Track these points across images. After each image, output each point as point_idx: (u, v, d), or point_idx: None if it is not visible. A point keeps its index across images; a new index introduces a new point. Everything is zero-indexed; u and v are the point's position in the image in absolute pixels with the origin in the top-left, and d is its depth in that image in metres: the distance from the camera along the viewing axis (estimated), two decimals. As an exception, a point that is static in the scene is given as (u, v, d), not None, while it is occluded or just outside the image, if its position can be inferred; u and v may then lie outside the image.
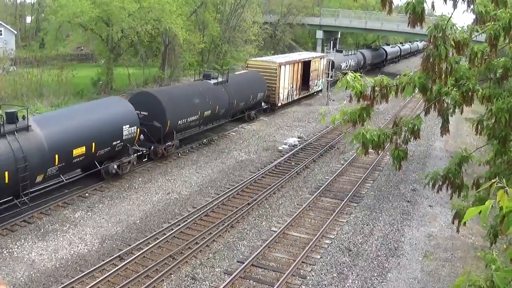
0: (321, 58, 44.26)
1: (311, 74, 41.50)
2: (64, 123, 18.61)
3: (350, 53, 54.60)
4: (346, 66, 50.30)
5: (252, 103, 32.86)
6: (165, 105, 23.30)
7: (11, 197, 16.55)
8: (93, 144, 19.15)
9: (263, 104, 34.62)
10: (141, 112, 22.63)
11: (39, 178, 17.31)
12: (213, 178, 22.26)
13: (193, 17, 47.51)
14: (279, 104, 36.73)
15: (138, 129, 21.60)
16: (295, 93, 39.32)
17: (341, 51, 53.61)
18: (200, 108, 26.05)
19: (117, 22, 36.33)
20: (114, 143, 20.35)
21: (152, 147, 23.27)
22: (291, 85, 38.15)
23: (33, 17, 68.21)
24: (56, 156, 17.53)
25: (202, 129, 28.77)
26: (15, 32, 55.77)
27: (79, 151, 18.52)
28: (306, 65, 40.73)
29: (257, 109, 34.24)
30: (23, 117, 17.07)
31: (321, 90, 44.89)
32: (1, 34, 52.10)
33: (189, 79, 44.02)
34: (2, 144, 15.75)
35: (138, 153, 22.30)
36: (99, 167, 20.16)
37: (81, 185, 20.04)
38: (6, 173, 15.65)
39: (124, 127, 20.68)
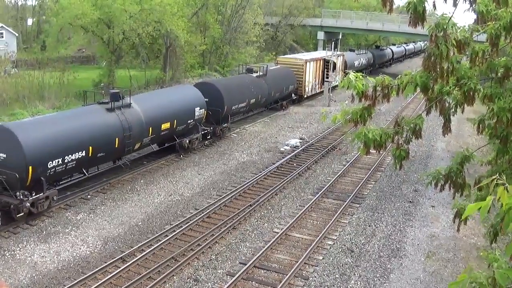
0: (338, 56, 48.29)
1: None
2: (155, 102, 23.05)
3: (361, 52, 58.90)
4: (359, 64, 54.58)
5: (285, 94, 37.78)
6: (223, 93, 27.85)
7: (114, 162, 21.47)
8: (175, 121, 23.52)
9: (293, 95, 39.58)
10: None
11: (137, 146, 21.74)
12: (215, 180, 22.25)
13: (194, 18, 47.54)
14: (305, 96, 41.66)
15: (206, 111, 25.95)
16: (317, 86, 44.03)
17: (353, 51, 58.54)
18: (248, 96, 30.95)
19: (118, 24, 36.35)
20: (189, 121, 24.83)
21: (211, 127, 27.33)
22: (314, 79, 43.01)
23: (34, 19, 68.26)
24: (150, 128, 21.83)
25: (245, 116, 34.04)
26: (17, 35, 55.82)
27: (165, 126, 22.94)
28: (327, 62, 44.66)
29: (287, 100, 39.07)
30: (123, 97, 20.84)
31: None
32: (3, 37, 52.12)
33: (190, 80, 44.05)
34: (113, 117, 19.96)
35: (204, 131, 26.50)
36: (177, 140, 24.44)
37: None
38: (117, 139, 19.90)
39: (196, 109, 25.18)
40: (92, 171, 20.30)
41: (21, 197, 16.41)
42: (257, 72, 33.62)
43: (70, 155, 17.81)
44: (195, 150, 25.90)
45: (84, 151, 18.40)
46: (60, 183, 18.81)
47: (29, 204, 16.59)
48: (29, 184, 16.76)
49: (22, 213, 16.50)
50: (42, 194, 17.11)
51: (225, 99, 27.79)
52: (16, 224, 16.50)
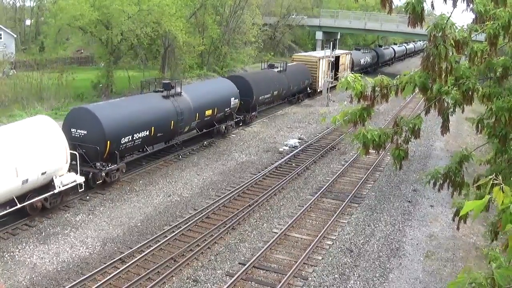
0: (346, 55, 51.83)
1: (340, 67, 48.52)
2: (200, 92, 26.73)
3: (366, 51, 61.84)
4: (364, 62, 57.80)
5: (301, 87, 41.61)
6: (252, 85, 31.80)
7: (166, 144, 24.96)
8: (216, 108, 27.02)
9: (308, 89, 43.22)
10: None
11: (186, 129, 25.15)
12: (214, 180, 22.25)
13: (193, 19, 47.52)
14: (318, 90, 44.76)
15: (239, 101, 29.60)
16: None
17: (359, 49, 61.30)
18: (272, 88, 34.91)
19: (117, 25, 36.31)
20: (226, 109, 28.45)
21: (242, 116, 31.28)
22: (326, 75, 45.46)
23: (32, 20, 68.10)
24: (197, 114, 25.33)
25: (267, 106, 37.73)
26: (15, 36, 55.73)
27: (208, 112, 26.49)
28: (336, 59, 47.68)
29: (303, 93, 42.80)
30: (173, 86, 24.20)
31: None
32: (1, 38, 52.07)
33: (189, 81, 44.06)
34: (168, 103, 23.48)
35: (237, 119, 30.37)
36: (215, 126, 27.91)
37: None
38: (172, 121, 23.32)
39: (231, 99, 28.81)
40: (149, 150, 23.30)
41: (100, 167, 19.53)
42: (278, 67, 37.55)
43: (137, 133, 21.14)
44: (228, 135, 29.37)
45: (148, 131, 21.72)
46: (125, 158, 21.90)
47: (104, 174, 19.69)
48: (106, 156, 19.92)
49: (100, 181, 19.59)
50: (115, 165, 20.32)
51: (254, 91, 31.68)
52: (15, 225, 16.48)
